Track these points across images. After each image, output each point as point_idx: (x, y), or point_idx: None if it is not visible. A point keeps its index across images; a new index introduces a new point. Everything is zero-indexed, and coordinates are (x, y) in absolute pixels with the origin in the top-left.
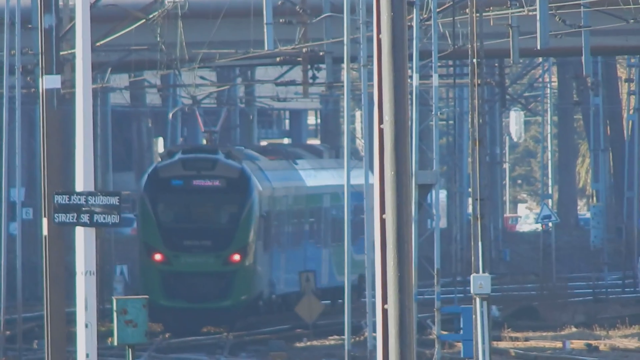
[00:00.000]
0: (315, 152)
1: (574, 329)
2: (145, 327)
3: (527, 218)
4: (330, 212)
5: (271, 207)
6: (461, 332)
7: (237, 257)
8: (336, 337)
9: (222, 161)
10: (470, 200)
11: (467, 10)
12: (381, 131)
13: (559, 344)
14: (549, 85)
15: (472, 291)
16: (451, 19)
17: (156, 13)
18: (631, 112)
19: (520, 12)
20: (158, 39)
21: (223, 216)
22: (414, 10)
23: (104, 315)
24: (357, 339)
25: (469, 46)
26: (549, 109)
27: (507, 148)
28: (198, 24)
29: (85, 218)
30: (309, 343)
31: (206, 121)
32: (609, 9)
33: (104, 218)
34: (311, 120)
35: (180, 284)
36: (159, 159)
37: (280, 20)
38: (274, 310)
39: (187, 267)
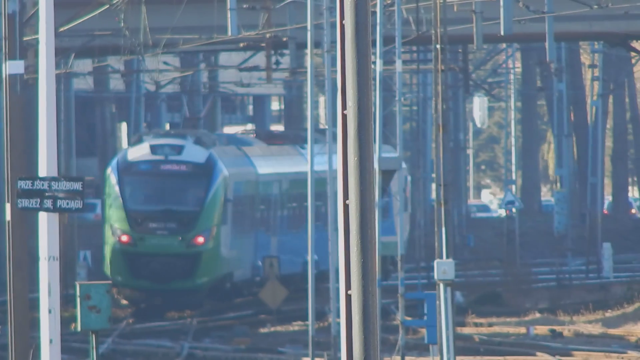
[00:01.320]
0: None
1: (537, 315)
2: (108, 313)
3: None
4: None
5: (242, 192)
6: (425, 318)
7: (200, 239)
8: (300, 322)
9: (189, 147)
10: (433, 185)
11: None
12: (344, 117)
13: (523, 330)
14: (512, 71)
15: (435, 277)
16: (415, 4)
17: None
18: (595, 97)
19: None
20: (122, 24)
21: (188, 200)
22: None
23: (67, 300)
24: (321, 324)
25: (433, 32)
26: (512, 95)
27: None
28: (161, 9)
29: (48, 203)
30: (272, 329)
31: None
32: None
33: (67, 203)
34: (275, 106)
35: (144, 265)
36: (127, 144)
37: (244, 6)
38: (243, 294)
39: (151, 248)
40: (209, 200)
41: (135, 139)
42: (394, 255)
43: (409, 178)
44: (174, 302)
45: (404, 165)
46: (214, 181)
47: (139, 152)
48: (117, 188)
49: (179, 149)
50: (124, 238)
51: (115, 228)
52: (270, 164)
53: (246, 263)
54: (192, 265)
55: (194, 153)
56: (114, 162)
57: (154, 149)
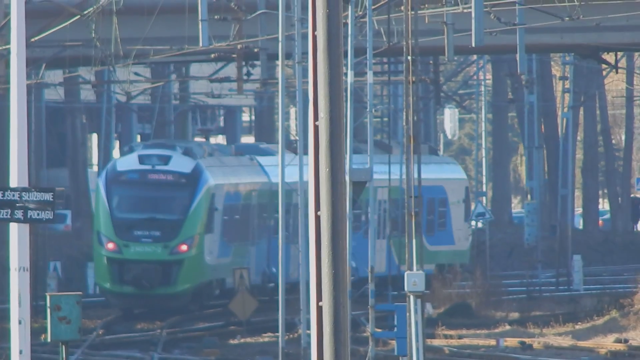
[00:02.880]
0: (384, 148)
1: (507, 327)
2: (78, 324)
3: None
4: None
5: (230, 202)
6: (395, 329)
7: (184, 247)
8: (270, 334)
9: (177, 157)
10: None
11: (402, 8)
12: (316, 128)
13: (492, 342)
14: (483, 83)
15: (406, 289)
16: (386, 16)
17: (91, 9)
18: (565, 109)
19: (455, 9)
20: (93, 35)
21: (173, 208)
22: (349, 7)
23: (37, 311)
24: (291, 336)
25: (404, 43)
26: (483, 107)
27: (441, 145)
28: (133, 20)
29: (19, 214)
30: (242, 340)
31: (201, 120)
32: (544, 6)
33: (38, 214)
34: (246, 117)
35: (128, 272)
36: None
37: (215, 17)
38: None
39: (135, 255)
40: (193, 209)
41: (127, 149)
42: (452, 264)
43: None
44: (160, 308)
45: (464, 176)
46: (198, 191)
47: (128, 162)
48: (104, 197)
49: (166, 159)
50: (110, 245)
51: (102, 235)
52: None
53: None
54: (174, 272)
55: (181, 163)
56: (104, 171)
57: (141, 158)
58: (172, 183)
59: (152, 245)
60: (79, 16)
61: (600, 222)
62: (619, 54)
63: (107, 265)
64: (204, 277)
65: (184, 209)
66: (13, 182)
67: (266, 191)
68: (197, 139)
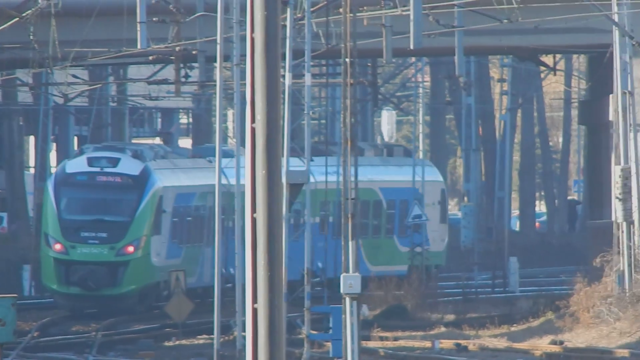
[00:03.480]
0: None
1: (443, 329)
2: (13, 326)
3: None
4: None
5: (181, 204)
6: (330, 331)
7: (130, 248)
8: (205, 336)
9: (126, 160)
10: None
11: (341, 10)
12: (253, 130)
13: (428, 344)
14: (421, 85)
15: (342, 291)
16: (325, 18)
17: (29, 11)
18: (503, 112)
19: (393, 12)
20: (31, 37)
21: (120, 210)
22: (288, 9)
23: None
24: (227, 338)
25: (342, 46)
26: (421, 109)
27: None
28: (71, 23)
29: None
30: (178, 342)
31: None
32: (482, 9)
33: None
34: (183, 119)
35: (75, 273)
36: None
37: (154, 19)
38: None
39: (82, 257)
40: (140, 211)
41: (78, 151)
42: (428, 265)
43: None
44: (103, 305)
45: (439, 178)
46: (146, 193)
47: (77, 164)
48: (52, 198)
49: (115, 162)
50: (57, 246)
51: (49, 237)
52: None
53: (195, 271)
54: (121, 273)
55: (129, 166)
56: (53, 173)
57: (90, 161)
58: (119, 185)
59: (99, 247)
60: (17, 18)
61: (537, 224)
62: (557, 56)
63: (54, 266)
64: (151, 279)
65: (131, 211)
66: None
67: (224, 193)
68: (134, 141)
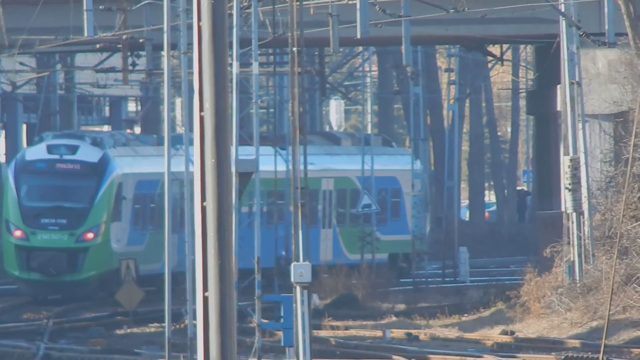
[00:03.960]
0: (333, 140)
1: (394, 318)
2: None
3: None
4: None
5: (143, 191)
6: (282, 320)
7: (90, 235)
8: (157, 324)
9: (85, 147)
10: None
11: None
12: (202, 119)
13: (379, 333)
14: (369, 75)
15: (292, 279)
16: (271, 7)
17: None
18: (451, 101)
19: (340, 1)
20: None
21: (80, 197)
22: None
23: None
24: (178, 326)
25: (289, 34)
26: (369, 98)
27: None
28: (18, 10)
29: None
30: (129, 330)
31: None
32: None
33: None
34: (132, 107)
35: (35, 259)
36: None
37: (100, 7)
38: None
39: (42, 243)
40: (99, 197)
41: (37, 139)
42: (407, 253)
43: (426, 179)
44: (62, 291)
45: (418, 165)
46: (104, 180)
47: (36, 152)
48: (13, 185)
49: (74, 149)
50: (17, 233)
51: (10, 223)
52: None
53: (158, 258)
54: (80, 259)
55: (88, 153)
56: (13, 160)
57: (50, 148)
58: (78, 172)
59: (59, 233)
60: None
61: (486, 214)
62: (505, 46)
63: (15, 253)
64: (111, 265)
65: (89, 198)
66: None
67: (191, 180)
68: (82, 128)
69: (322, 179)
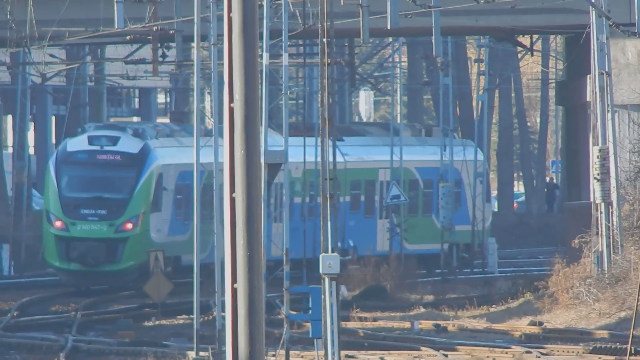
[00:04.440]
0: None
1: (422, 310)
2: None
3: None
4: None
5: (186, 182)
6: (310, 312)
7: (129, 225)
8: (185, 316)
9: (126, 138)
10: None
11: None
12: (231, 110)
13: (407, 324)
14: (399, 65)
15: (321, 271)
16: None
17: None
18: (481, 92)
19: None
20: (8, 16)
21: (119, 188)
22: None
23: None
24: (206, 318)
25: (319, 25)
26: (398, 89)
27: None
28: (48, 2)
29: None
30: (157, 322)
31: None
32: None
33: None
34: (161, 99)
35: (74, 249)
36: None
37: None
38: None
39: (82, 233)
40: (139, 188)
41: (80, 130)
42: (468, 243)
43: (487, 169)
44: (102, 281)
45: (480, 157)
46: (144, 171)
47: (78, 143)
48: (54, 176)
49: (115, 140)
50: (58, 223)
51: (50, 214)
52: None
53: (203, 248)
54: (119, 249)
55: (129, 144)
56: (55, 152)
57: (91, 139)
58: (119, 163)
59: (98, 224)
60: None
61: (515, 204)
62: (534, 36)
63: (55, 243)
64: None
65: (129, 189)
66: None
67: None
68: (112, 119)
69: (379, 170)
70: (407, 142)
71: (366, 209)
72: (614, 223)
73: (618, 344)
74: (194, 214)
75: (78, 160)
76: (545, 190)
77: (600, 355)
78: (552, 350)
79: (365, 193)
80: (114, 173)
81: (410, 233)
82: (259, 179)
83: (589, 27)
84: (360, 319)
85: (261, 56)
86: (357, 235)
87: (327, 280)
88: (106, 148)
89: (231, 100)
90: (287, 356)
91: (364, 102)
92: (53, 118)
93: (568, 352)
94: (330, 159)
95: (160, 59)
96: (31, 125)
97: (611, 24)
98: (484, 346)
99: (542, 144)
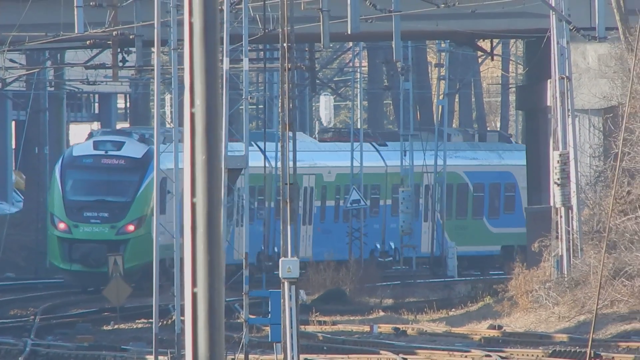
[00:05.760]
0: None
1: (382, 313)
2: None
3: None
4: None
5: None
6: (269, 316)
7: (130, 227)
8: (144, 320)
9: (130, 143)
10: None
11: None
12: (192, 115)
13: (366, 328)
14: (359, 70)
15: (280, 275)
16: (262, 2)
17: None
18: (441, 97)
19: None
20: None
21: (122, 191)
22: None
23: None
24: (165, 322)
25: (280, 30)
26: (359, 94)
27: (317, 133)
28: (8, 6)
29: None
30: (116, 326)
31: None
32: None
33: None
34: (121, 104)
35: (76, 251)
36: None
37: (91, 3)
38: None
39: (84, 235)
40: (141, 191)
41: (87, 136)
42: (523, 245)
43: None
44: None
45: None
46: (147, 174)
47: (84, 148)
48: (58, 180)
49: (120, 145)
50: (61, 225)
51: (54, 216)
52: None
53: None
54: (120, 251)
55: (133, 149)
56: (61, 156)
57: (96, 144)
58: (122, 167)
59: (100, 226)
60: None
61: None
62: (495, 41)
63: (58, 245)
64: (150, 257)
65: (132, 192)
66: None
67: (266, 175)
68: (72, 124)
69: (424, 174)
70: (458, 147)
71: (414, 211)
72: (574, 227)
73: (577, 347)
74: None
75: (83, 164)
76: None
77: (559, 359)
78: (512, 354)
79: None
80: (117, 177)
81: (460, 236)
82: (219, 184)
83: (550, 32)
84: (320, 323)
85: (221, 61)
86: (398, 237)
87: (286, 284)
88: (110, 153)
89: (192, 105)
90: None
91: (324, 107)
92: (13, 123)
93: (527, 355)
94: (291, 164)
95: (120, 64)
96: None
97: (571, 28)
98: (444, 350)
99: None
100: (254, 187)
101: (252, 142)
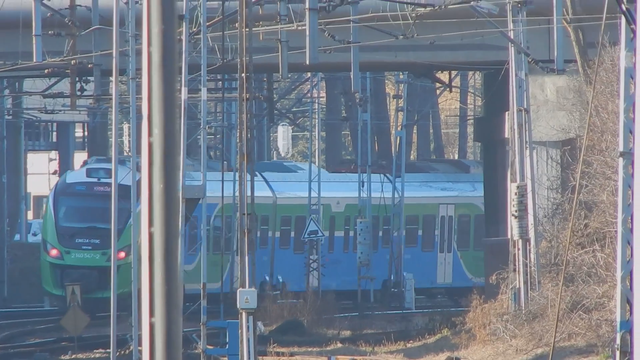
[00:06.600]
0: (461, 167)
1: (339, 345)
2: None
3: None
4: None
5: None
6: (227, 346)
7: (121, 254)
8: (102, 350)
9: (123, 171)
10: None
11: (237, 25)
12: (150, 144)
13: (324, 359)
14: (317, 101)
15: (238, 305)
16: (220, 33)
17: None
18: (399, 128)
19: (289, 27)
20: None
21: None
22: (184, 23)
23: None
24: (123, 352)
25: (238, 60)
26: (317, 124)
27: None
28: None
29: None
30: (74, 356)
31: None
32: (378, 24)
33: None
34: (79, 133)
35: (68, 276)
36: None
37: (49, 32)
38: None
39: (75, 261)
40: (133, 218)
41: (82, 163)
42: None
43: None
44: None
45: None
46: (139, 202)
47: (77, 175)
48: (52, 207)
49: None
50: (53, 252)
51: (47, 243)
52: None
53: (212, 277)
54: (110, 277)
55: (126, 177)
56: (55, 185)
57: (89, 172)
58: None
59: (91, 252)
60: None
61: None
62: (453, 72)
63: (50, 271)
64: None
65: (124, 219)
66: None
67: (267, 205)
68: (29, 154)
69: (440, 205)
70: (477, 178)
71: (424, 243)
72: (532, 260)
73: None
74: (209, 245)
75: (75, 191)
76: None
77: None
78: None
79: (422, 227)
80: (109, 204)
81: (475, 266)
82: (177, 214)
83: (508, 64)
84: (278, 354)
85: (180, 90)
86: (415, 267)
87: (244, 314)
88: (103, 180)
89: (150, 134)
90: None
91: (282, 137)
92: None
93: None
94: (249, 193)
95: (79, 93)
96: None
97: (530, 60)
98: None
99: None
100: (257, 215)
101: (257, 173)
